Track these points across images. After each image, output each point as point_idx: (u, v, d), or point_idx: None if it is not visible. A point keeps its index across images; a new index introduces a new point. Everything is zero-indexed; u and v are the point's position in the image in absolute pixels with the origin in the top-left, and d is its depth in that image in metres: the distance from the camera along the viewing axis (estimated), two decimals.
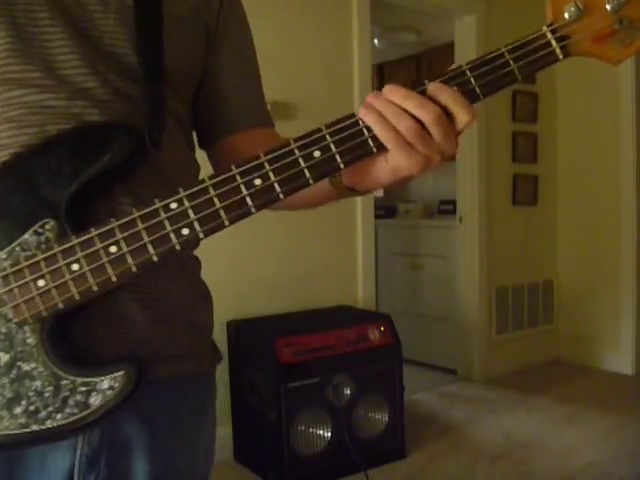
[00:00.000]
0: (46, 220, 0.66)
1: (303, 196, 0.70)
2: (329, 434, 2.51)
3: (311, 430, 2.49)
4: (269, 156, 0.66)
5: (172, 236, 0.66)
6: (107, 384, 0.65)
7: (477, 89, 0.66)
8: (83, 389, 0.65)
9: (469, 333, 3.87)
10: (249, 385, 2.60)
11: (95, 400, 0.65)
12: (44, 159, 0.67)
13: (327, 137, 0.67)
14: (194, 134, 0.88)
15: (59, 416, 0.65)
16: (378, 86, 4.99)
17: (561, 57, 0.65)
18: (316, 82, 3.04)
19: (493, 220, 3.89)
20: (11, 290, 0.65)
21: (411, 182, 5.12)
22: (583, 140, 4.10)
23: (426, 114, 0.64)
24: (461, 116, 0.65)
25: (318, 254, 3.07)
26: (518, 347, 4.06)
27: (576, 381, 3.82)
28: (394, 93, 0.65)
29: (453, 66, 0.67)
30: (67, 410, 0.65)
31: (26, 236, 0.66)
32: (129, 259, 0.65)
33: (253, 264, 2.87)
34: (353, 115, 0.67)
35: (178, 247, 0.66)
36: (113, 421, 0.71)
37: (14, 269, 0.65)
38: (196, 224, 0.66)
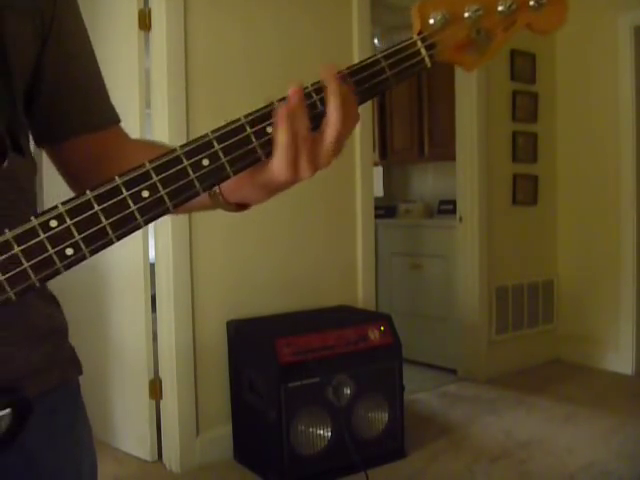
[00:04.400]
0: None
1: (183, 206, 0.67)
2: (329, 434, 2.51)
3: (311, 430, 2.49)
4: (155, 164, 0.60)
5: (55, 258, 0.57)
6: None
7: (358, 96, 0.65)
8: None
9: (469, 333, 3.87)
10: (249, 385, 2.60)
11: None
12: None
13: (214, 144, 0.62)
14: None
15: None
16: None
17: (429, 65, 0.67)
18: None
19: (493, 220, 3.89)
20: None
21: (411, 182, 5.10)
22: (583, 140, 4.10)
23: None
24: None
25: (318, 254, 3.07)
26: (518, 347, 4.06)
27: (576, 381, 3.82)
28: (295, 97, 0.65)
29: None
30: None
31: None
32: (7, 288, 0.56)
33: (253, 264, 2.87)
34: (238, 120, 0.64)
35: (63, 270, 0.58)
36: None
37: None
38: (82, 244, 0.58)
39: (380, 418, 2.66)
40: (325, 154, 0.64)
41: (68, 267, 0.58)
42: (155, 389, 2.73)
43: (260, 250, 2.89)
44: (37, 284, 0.57)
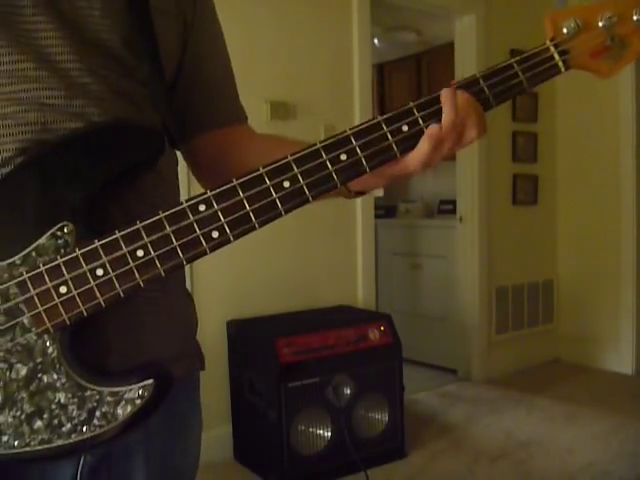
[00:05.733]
0: (64, 223, 0.62)
1: None
2: (329, 434, 2.51)
3: (311, 430, 2.49)
4: (296, 157, 0.65)
5: (202, 240, 0.63)
6: (137, 393, 0.62)
7: (491, 98, 0.70)
8: (110, 399, 0.62)
9: (469, 333, 3.87)
10: (249, 385, 2.60)
11: (124, 410, 0.62)
12: (60, 158, 0.62)
13: (352, 140, 0.66)
14: None
15: (85, 429, 0.62)
16: (378, 86, 4.99)
17: (563, 70, 0.71)
18: (316, 82, 3.04)
19: (493, 220, 3.89)
20: (30, 298, 0.61)
21: (411, 181, 5.11)
22: (583, 140, 4.09)
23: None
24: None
25: (318, 254, 3.07)
26: (518, 347, 4.06)
27: (576, 381, 3.82)
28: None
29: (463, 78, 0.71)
30: (95, 422, 0.62)
31: (42, 240, 0.61)
32: (158, 264, 0.62)
33: (253, 264, 2.87)
34: (374, 118, 0.67)
35: (208, 251, 0.64)
36: None
37: (32, 274, 0.61)
38: (226, 227, 0.64)
39: (380, 418, 2.66)
40: (451, 151, 0.71)
41: (213, 249, 0.64)
42: None
43: (260, 250, 2.89)
44: (185, 263, 0.63)
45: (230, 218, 0.63)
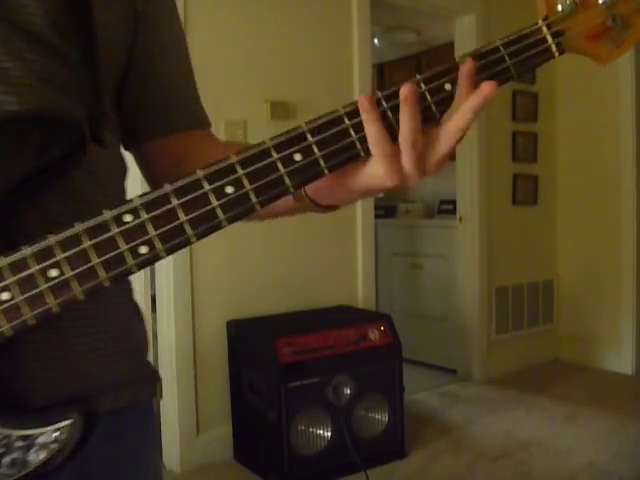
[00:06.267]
0: None
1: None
2: (329, 434, 2.51)
3: (311, 430, 2.49)
4: (241, 157, 0.56)
5: (128, 256, 0.53)
6: (51, 436, 0.53)
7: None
8: (21, 444, 0.53)
9: (469, 333, 3.87)
10: (249, 385, 2.60)
11: (36, 457, 0.53)
12: None
13: (308, 137, 0.57)
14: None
15: None
16: (378, 86, 4.98)
17: (557, 54, 0.61)
18: (316, 82, 3.04)
19: (493, 220, 3.89)
20: None
21: None
22: (583, 140, 4.10)
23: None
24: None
25: (318, 254, 3.07)
26: (518, 347, 4.06)
27: (576, 381, 3.82)
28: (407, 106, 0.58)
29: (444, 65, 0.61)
30: (2, 471, 0.53)
31: None
32: (74, 285, 0.52)
33: (253, 264, 2.87)
34: (336, 111, 0.58)
35: (135, 269, 0.54)
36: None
37: None
38: (157, 241, 0.54)
39: (380, 418, 2.66)
40: (436, 158, 0.60)
41: (141, 266, 0.54)
42: None
43: (260, 250, 2.89)
44: (107, 283, 0.53)
45: (161, 230, 0.54)
